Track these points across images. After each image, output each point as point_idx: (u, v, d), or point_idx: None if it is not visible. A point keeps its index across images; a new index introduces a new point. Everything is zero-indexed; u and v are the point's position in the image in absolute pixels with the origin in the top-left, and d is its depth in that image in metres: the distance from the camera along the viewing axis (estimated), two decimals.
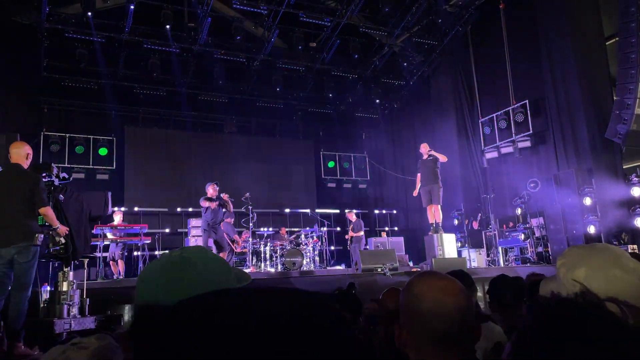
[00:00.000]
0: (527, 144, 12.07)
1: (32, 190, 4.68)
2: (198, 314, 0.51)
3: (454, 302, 1.17)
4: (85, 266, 5.94)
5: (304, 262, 10.83)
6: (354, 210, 13.18)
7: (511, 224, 11.76)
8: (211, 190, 9.41)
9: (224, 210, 9.52)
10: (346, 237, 12.81)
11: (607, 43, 10.75)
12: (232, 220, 10.90)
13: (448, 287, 1.20)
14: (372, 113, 16.72)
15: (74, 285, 5.38)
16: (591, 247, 1.23)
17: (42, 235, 4.77)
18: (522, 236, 11.00)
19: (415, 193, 10.32)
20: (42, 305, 5.19)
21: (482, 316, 2.82)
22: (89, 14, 11.06)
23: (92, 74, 12.78)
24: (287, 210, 15.10)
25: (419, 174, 10.16)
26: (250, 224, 10.74)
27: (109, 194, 5.77)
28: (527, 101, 11.98)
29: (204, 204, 9.30)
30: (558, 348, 0.63)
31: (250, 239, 10.75)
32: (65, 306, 5.14)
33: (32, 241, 4.62)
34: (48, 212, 4.79)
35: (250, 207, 10.67)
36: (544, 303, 0.71)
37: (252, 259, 10.65)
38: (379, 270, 8.52)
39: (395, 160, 16.31)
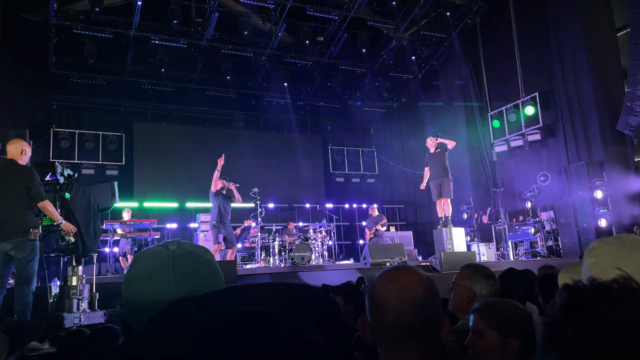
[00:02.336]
0: (537, 137, 11.96)
1: (27, 185, 4.69)
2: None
3: (411, 295, 1.12)
4: (95, 261, 5.97)
5: (313, 256, 10.83)
6: (375, 205, 12.99)
7: (521, 218, 11.68)
8: (220, 184, 9.40)
9: (231, 203, 9.49)
10: (369, 233, 12.13)
11: (618, 34, 10.61)
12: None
13: (407, 279, 1.15)
14: (380, 107, 16.64)
15: (84, 280, 5.42)
16: (621, 242, 1.16)
17: (37, 231, 4.76)
18: (532, 230, 10.92)
19: (422, 186, 10.24)
20: (52, 300, 5.23)
21: None
22: (97, 10, 11.10)
23: (101, 70, 12.82)
24: (296, 205, 15.09)
25: (426, 168, 10.09)
26: (259, 219, 10.74)
27: (116, 183, 5.77)
28: (537, 94, 11.87)
29: (213, 190, 9.18)
30: (595, 330, 0.62)
31: (259, 234, 10.76)
32: (75, 301, 5.17)
33: (27, 236, 4.64)
34: (47, 206, 4.79)
35: (258, 202, 10.68)
36: (579, 287, 0.70)
37: (260, 254, 10.67)
38: (388, 264, 8.50)
39: (403, 154, 16.24)
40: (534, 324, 1.87)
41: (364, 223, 14.94)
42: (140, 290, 0.88)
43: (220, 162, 9.10)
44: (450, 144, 9.84)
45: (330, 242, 12.30)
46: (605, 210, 9.70)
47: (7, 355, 1.68)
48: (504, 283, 3.08)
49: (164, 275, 0.88)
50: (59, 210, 5.09)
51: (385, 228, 12.20)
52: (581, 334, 0.64)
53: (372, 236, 11.83)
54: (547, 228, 10.95)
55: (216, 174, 9.11)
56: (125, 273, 0.92)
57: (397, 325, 1.11)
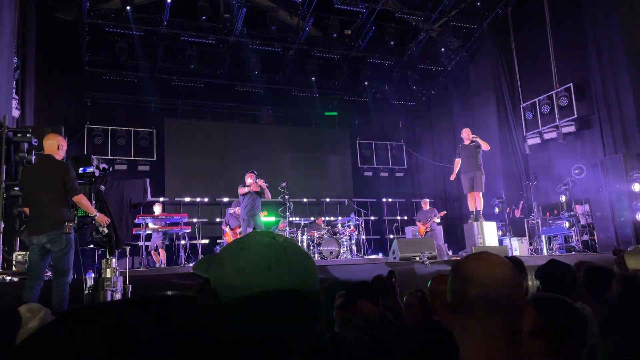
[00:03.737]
0: (572, 128, 11.64)
1: (62, 179, 4.82)
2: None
3: (498, 272, 1.17)
4: (128, 254, 6.10)
5: (341, 251, 10.82)
6: (427, 200, 12.82)
7: (555, 212, 11.40)
8: (249, 179, 9.52)
9: (261, 199, 9.58)
10: (424, 227, 11.91)
11: None
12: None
13: (494, 259, 1.20)
14: (409, 100, 16.47)
15: (117, 273, 5.53)
16: None
17: (73, 224, 4.89)
18: (567, 224, 10.65)
19: (452, 177, 10.09)
20: (86, 291, 5.36)
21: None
22: (128, 8, 11.29)
23: (132, 67, 13.06)
24: (324, 199, 15.09)
25: (457, 159, 9.93)
26: (287, 213, 10.78)
27: (148, 181, 5.89)
28: (571, 84, 11.54)
29: (241, 190, 9.42)
30: None
31: (287, 228, 10.81)
32: (109, 292, 5.29)
33: (62, 229, 4.77)
34: (82, 199, 4.92)
35: (287, 197, 10.72)
36: (636, 277, 0.69)
37: None
38: (417, 259, 8.42)
39: (433, 148, 16.04)
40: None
41: (414, 218, 14.90)
42: (258, 281, 0.85)
43: (252, 180, 9.43)
44: (485, 147, 9.65)
45: (358, 236, 12.26)
46: None
47: None
48: (547, 276, 2.93)
49: (280, 268, 0.86)
50: (93, 202, 5.21)
51: (439, 221, 12.01)
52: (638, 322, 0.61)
53: (428, 230, 11.71)
54: (582, 222, 10.66)
55: (241, 189, 9.33)
56: (228, 261, 0.89)
57: (482, 300, 1.14)
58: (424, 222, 11.85)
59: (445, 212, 12.23)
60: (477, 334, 1.13)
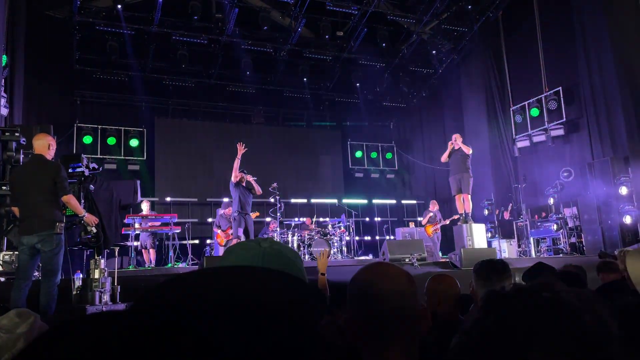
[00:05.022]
0: (560, 132, 11.76)
1: (53, 179, 4.79)
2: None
3: (391, 285, 1.16)
4: (117, 254, 6.07)
5: (332, 252, 10.83)
6: (435, 201, 12.77)
7: (543, 214, 11.50)
8: (239, 176, 9.40)
9: (252, 196, 9.50)
10: (437, 229, 11.72)
11: None
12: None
13: (388, 272, 1.20)
14: (400, 102, 16.53)
15: (106, 273, 5.51)
16: None
17: (64, 224, 4.87)
18: (555, 226, 10.75)
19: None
20: (74, 292, 5.33)
21: None
22: (119, 6, 11.23)
23: (123, 66, 12.99)
24: (315, 200, 15.11)
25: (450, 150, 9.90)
26: (278, 214, 10.77)
27: (138, 182, 5.88)
28: (560, 88, 11.66)
29: (234, 180, 9.11)
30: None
31: (278, 229, 10.80)
32: (97, 293, 5.27)
33: (53, 230, 4.75)
34: (71, 200, 4.90)
35: (277, 197, 10.71)
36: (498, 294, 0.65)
37: None
38: (407, 260, 8.46)
39: (423, 149, 16.12)
40: None
41: (404, 219, 14.93)
42: None
43: (240, 149, 9.07)
44: (466, 150, 9.65)
45: (349, 238, 12.28)
46: (630, 206, 9.49)
47: None
48: (531, 278, 2.99)
49: None
50: (82, 202, 5.19)
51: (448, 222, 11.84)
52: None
53: (438, 230, 11.68)
54: (570, 225, 10.77)
55: (237, 162, 9.05)
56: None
57: (381, 315, 1.14)
58: (433, 223, 11.80)
59: (458, 216, 11.99)
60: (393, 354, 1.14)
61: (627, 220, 9.43)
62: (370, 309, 1.15)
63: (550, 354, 0.54)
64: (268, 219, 11.60)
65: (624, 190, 9.61)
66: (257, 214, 10.81)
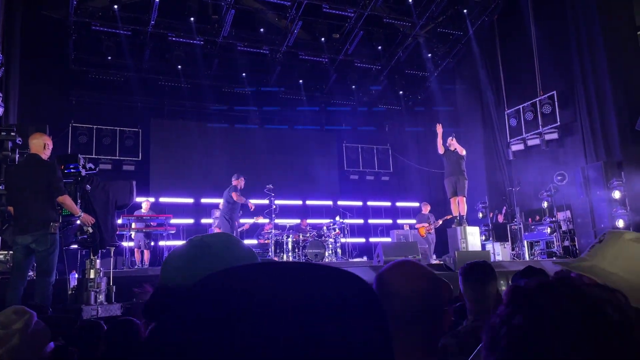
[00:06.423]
0: (554, 135, 11.84)
1: (48, 179, 4.79)
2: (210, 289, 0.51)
3: (412, 285, 1.19)
4: (112, 255, 6.07)
5: (326, 253, 10.85)
6: (427, 203, 12.82)
7: (537, 217, 11.57)
8: (242, 182, 9.63)
9: (240, 211, 9.73)
10: (427, 228, 11.87)
11: (638, 32, 10.45)
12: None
13: (414, 272, 1.23)
14: (396, 105, 16.58)
15: (101, 273, 5.51)
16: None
17: (59, 224, 4.87)
18: (549, 230, 10.82)
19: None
20: (70, 292, 5.33)
21: None
22: (115, 7, 11.22)
23: (119, 66, 12.97)
24: (310, 202, 15.12)
25: (442, 147, 10.04)
26: (273, 215, 10.79)
27: (134, 182, 5.87)
28: (554, 92, 11.74)
29: (235, 197, 9.50)
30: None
31: (273, 230, 10.81)
32: (93, 293, 5.26)
33: (47, 230, 4.74)
34: (66, 200, 4.89)
35: (272, 198, 10.73)
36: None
37: (274, 250, 10.72)
38: None
39: (418, 152, 16.17)
40: None
41: (398, 221, 14.97)
42: (162, 273, 0.98)
43: (241, 184, 9.58)
44: (461, 151, 9.77)
45: (344, 240, 12.30)
46: (623, 210, 9.57)
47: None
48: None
49: (178, 262, 0.97)
50: (78, 202, 5.18)
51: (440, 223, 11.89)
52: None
53: (431, 231, 11.74)
54: (564, 228, 10.84)
55: (236, 195, 9.49)
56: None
57: (405, 313, 1.17)
58: (426, 223, 11.85)
59: (451, 216, 12.09)
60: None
61: (620, 224, 9.50)
62: (391, 309, 1.17)
63: (578, 345, 0.58)
64: (262, 220, 11.59)
65: (617, 195, 9.70)
66: (259, 218, 10.94)
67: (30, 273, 5.35)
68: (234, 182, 9.74)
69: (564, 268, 1.18)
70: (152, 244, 10.83)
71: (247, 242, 11.42)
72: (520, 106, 12.51)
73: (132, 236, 10.53)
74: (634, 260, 1.11)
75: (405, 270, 1.24)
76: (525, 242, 11.18)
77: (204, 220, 13.32)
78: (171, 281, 0.91)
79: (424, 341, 1.17)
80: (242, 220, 11.01)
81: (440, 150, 10.06)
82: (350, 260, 11.95)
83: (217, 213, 11.17)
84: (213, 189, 13.32)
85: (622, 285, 0.88)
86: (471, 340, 2.27)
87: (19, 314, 2.10)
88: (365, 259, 12.56)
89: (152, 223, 10.62)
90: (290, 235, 10.99)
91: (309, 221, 12.89)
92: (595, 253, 1.17)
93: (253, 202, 10.03)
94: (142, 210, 10.76)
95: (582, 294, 0.62)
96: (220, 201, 10.39)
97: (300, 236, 11.12)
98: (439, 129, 10.03)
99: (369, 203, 15.87)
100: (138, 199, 9.50)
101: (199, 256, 0.94)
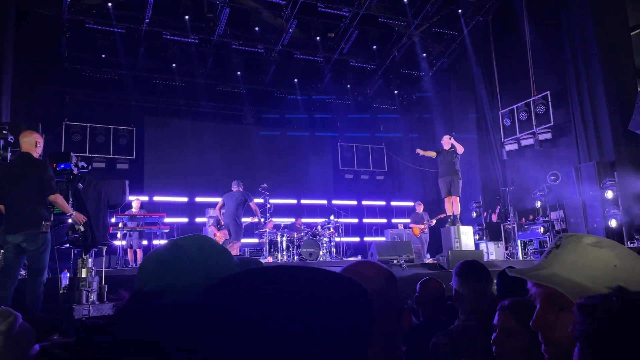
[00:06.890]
0: (548, 135, 11.88)
1: (40, 178, 4.75)
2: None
3: (368, 284, 1.18)
4: (104, 254, 6.04)
5: (321, 253, 10.85)
6: (420, 202, 12.83)
7: (531, 217, 11.61)
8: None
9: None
10: (422, 227, 11.93)
11: (632, 33, 10.50)
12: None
13: (364, 271, 1.20)
14: (391, 104, 16.60)
15: (93, 272, 5.48)
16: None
17: (50, 223, 4.84)
18: (542, 229, 10.86)
19: (418, 150, 10.24)
20: (61, 291, 5.30)
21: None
22: (110, 4, 11.17)
23: (113, 64, 12.91)
24: (304, 201, 15.11)
25: (434, 152, 10.11)
26: (267, 214, 10.78)
27: (127, 182, 5.84)
28: (548, 92, 11.78)
29: (253, 206, 9.57)
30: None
31: (267, 229, 10.81)
32: (84, 292, 5.24)
33: (39, 229, 4.70)
34: (57, 199, 4.85)
35: (267, 198, 10.72)
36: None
37: (268, 249, 10.71)
38: (395, 262, 8.51)
39: (413, 151, 16.11)
40: None
41: (392, 220, 15.00)
42: (138, 277, 0.97)
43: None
44: (460, 149, 9.82)
45: (338, 239, 12.30)
46: (615, 210, 9.62)
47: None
48: (502, 282, 3.02)
49: (152, 266, 0.97)
50: (70, 200, 5.15)
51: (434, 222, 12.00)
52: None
53: (424, 230, 11.77)
54: (557, 227, 10.88)
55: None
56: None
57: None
58: (421, 223, 11.89)
59: (445, 215, 12.14)
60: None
61: (613, 223, 9.55)
62: None
63: None
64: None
65: (609, 194, 9.75)
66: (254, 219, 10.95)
67: (22, 272, 5.31)
68: (240, 189, 9.72)
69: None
70: (146, 242, 10.78)
71: (247, 241, 11.46)
72: (514, 106, 12.54)
73: (122, 235, 10.48)
74: (596, 267, 1.02)
75: (360, 270, 1.21)
76: (518, 242, 11.22)
77: (198, 219, 13.28)
78: (147, 286, 0.90)
79: (385, 342, 1.17)
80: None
81: (433, 155, 10.14)
82: (344, 259, 11.95)
83: (212, 212, 11.15)
84: (207, 187, 13.32)
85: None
86: (463, 339, 2.27)
87: (3, 315, 2.07)
88: (360, 258, 12.56)
89: (141, 223, 10.55)
90: (285, 234, 10.98)
91: (304, 220, 12.89)
92: (552, 259, 1.10)
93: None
94: (133, 210, 10.69)
95: None
96: (216, 200, 10.37)
97: (295, 235, 11.11)
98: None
99: (364, 202, 15.88)
100: (130, 197, 9.47)
101: (174, 260, 0.93)
